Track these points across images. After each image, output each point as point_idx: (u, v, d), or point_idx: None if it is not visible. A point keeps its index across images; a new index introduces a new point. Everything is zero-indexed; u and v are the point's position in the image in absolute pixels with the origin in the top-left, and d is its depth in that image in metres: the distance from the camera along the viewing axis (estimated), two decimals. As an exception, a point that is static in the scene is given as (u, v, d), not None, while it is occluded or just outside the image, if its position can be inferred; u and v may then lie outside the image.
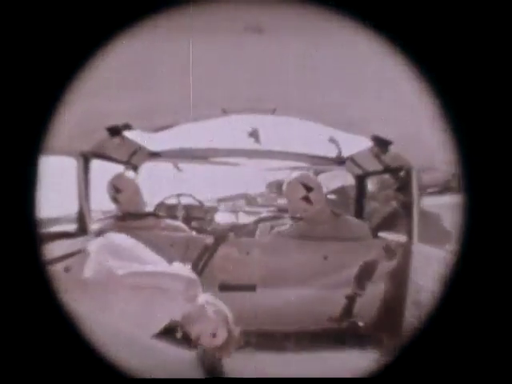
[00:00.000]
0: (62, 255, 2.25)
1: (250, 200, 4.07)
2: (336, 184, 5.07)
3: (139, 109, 2.27)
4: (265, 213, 3.92)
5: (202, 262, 2.47)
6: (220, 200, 3.88)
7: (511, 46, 0.60)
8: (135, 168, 3.56)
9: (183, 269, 1.84)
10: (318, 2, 0.76)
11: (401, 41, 0.59)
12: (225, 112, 2.41)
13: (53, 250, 2.21)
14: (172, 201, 3.80)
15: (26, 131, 0.61)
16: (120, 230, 2.71)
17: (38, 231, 0.62)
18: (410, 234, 2.69)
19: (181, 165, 4.12)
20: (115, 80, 1.73)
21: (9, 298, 0.53)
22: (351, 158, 3.54)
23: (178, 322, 1.70)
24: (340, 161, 3.71)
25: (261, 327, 2.31)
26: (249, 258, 2.56)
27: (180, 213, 3.58)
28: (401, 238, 2.77)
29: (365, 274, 2.58)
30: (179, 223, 2.96)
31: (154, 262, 1.83)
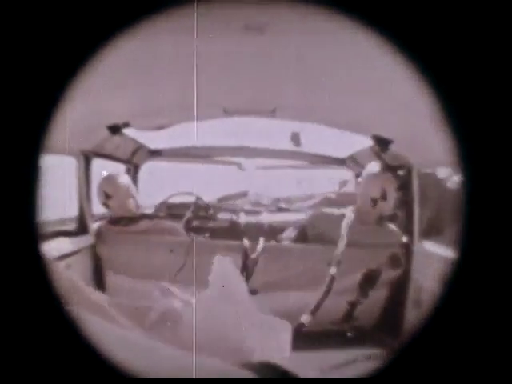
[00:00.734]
0: (63, 254, 2.25)
1: (251, 199, 4.05)
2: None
3: (140, 108, 2.27)
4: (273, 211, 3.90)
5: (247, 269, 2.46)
6: (220, 199, 3.87)
7: (511, 45, 0.60)
8: (136, 167, 3.56)
9: None
10: (317, 1, 0.77)
11: (401, 41, 0.59)
12: (226, 112, 2.41)
13: (53, 248, 2.21)
14: (176, 199, 3.77)
15: (27, 130, 0.61)
16: (116, 234, 2.71)
17: (38, 230, 0.62)
18: (410, 233, 2.69)
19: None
20: (116, 79, 1.73)
21: (9, 297, 0.53)
22: (352, 157, 3.54)
23: None
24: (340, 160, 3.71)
25: None
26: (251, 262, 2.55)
27: (189, 212, 3.55)
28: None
29: (368, 282, 2.58)
30: (174, 224, 2.92)
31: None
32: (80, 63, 0.67)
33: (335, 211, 2.98)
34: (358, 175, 3.68)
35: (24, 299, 0.53)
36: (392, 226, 2.86)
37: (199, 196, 3.70)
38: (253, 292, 2.49)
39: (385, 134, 2.48)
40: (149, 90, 1.96)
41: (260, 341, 1.49)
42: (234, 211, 3.70)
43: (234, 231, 3.37)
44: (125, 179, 2.96)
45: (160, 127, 3.01)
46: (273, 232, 3.12)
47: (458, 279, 0.61)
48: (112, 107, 2.16)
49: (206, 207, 3.75)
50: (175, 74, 1.76)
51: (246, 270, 2.42)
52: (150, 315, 1.52)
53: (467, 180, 0.66)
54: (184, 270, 2.44)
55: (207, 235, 3.12)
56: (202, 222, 3.51)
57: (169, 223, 2.92)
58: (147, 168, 3.66)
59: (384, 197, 2.66)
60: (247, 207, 3.85)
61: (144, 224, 2.79)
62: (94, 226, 2.75)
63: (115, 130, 2.55)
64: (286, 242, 2.81)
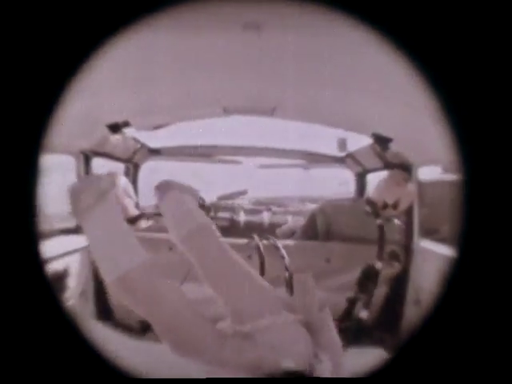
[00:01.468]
0: (62, 253, 2.25)
1: (251, 198, 4.05)
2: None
3: (139, 107, 2.26)
4: (272, 210, 3.89)
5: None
6: (220, 198, 3.87)
7: (511, 44, 0.60)
8: (136, 166, 3.55)
9: None
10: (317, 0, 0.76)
11: (401, 39, 0.59)
12: (225, 111, 2.40)
13: (52, 247, 2.21)
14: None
15: (27, 129, 0.61)
16: None
17: (37, 229, 0.62)
18: (410, 231, 2.69)
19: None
20: (115, 78, 1.73)
21: (8, 296, 0.53)
22: (351, 156, 3.54)
23: None
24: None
25: None
26: (250, 261, 2.55)
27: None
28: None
29: (367, 278, 2.58)
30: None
31: None
32: (80, 62, 0.67)
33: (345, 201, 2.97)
34: (357, 174, 3.69)
35: (23, 299, 0.53)
36: (392, 223, 2.86)
37: (201, 196, 3.69)
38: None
39: (384, 133, 2.48)
40: (149, 88, 1.96)
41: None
42: (234, 210, 3.70)
43: (233, 230, 3.37)
44: (122, 180, 2.96)
45: (160, 126, 3.01)
46: (273, 230, 3.12)
47: (458, 278, 0.61)
48: (112, 106, 2.16)
49: (208, 208, 3.74)
50: (175, 72, 1.75)
51: (262, 265, 2.41)
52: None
53: (467, 178, 0.65)
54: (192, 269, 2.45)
55: None
56: None
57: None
58: (147, 167, 3.66)
59: (395, 206, 2.66)
60: (247, 206, 3.85)
61: (143, 223, 2.79)
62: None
63: (115, 128, 2.55)
64: (284, 239, 2.80)
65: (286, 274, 2.10)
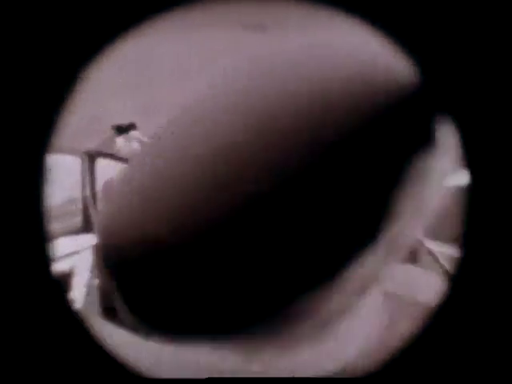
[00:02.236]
0: (67, 253, 2.27)
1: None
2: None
3: (144, 108, 2.28)
4: None
5: None
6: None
7: (511, 43, 0.60)
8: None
9: None
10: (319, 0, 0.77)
11: (401, 37, 0.59)
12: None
13: (58, 247, 2.23)
14: None
15: (31, 130, 0.62)
16: None
17: (43, 229, 0.63)
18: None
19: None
20: (121, 79, 1.74)
21: (14, 296, 0.54)
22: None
23: None
24: None
25: None
26: None
27: None
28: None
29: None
30: None
31: None
32: (85, 63, 0.68)
33: None
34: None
35: (30, 298, 0.54)
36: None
37: None
38: None
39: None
40: (153, 89, 1.98)
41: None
42: None
43: None
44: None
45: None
46: None
47: (462, 278, 0.61)
48: (117, 107, 2.17)
49: None
50: (178, 73, 1.77)
51: None
52: None
53: (471, 178, 0.66)
54: None
55: None
56: None
57: None
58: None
59: None
60: None
61: None
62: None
63: (121, 130, 2.57)
64: None
65: None
